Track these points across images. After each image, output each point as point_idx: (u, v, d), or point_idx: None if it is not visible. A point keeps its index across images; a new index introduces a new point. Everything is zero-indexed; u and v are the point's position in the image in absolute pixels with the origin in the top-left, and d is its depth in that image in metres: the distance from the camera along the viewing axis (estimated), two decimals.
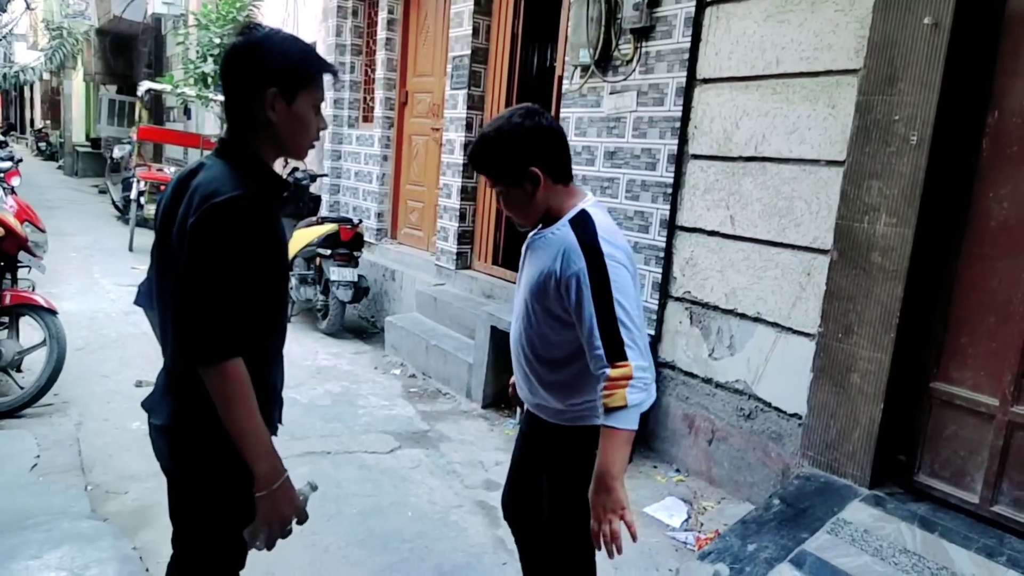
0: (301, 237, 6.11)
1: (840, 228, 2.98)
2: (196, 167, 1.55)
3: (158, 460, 1.64)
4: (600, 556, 2.92)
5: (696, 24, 3.64)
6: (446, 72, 5.85)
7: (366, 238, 6.70)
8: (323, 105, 1.65)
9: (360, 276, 5.96)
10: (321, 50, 6.89)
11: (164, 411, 1.58)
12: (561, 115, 4.44)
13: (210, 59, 8.92)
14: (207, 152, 1.67)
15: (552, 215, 1.86)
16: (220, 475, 1.53)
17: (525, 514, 2.19)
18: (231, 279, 1.42)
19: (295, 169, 7.01)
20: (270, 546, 1.55)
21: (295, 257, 6.13)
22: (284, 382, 1.75)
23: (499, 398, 4.58)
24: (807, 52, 3.17)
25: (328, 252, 5.87)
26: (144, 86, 10.63)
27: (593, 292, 1.68)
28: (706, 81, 3.64)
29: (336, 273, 5.76)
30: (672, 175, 3.80)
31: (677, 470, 3.79)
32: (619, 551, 1.68)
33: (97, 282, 7.12)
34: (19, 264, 4.19)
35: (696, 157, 3.70)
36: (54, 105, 24.78)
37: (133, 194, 9.23)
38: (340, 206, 7.68)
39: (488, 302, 5.15)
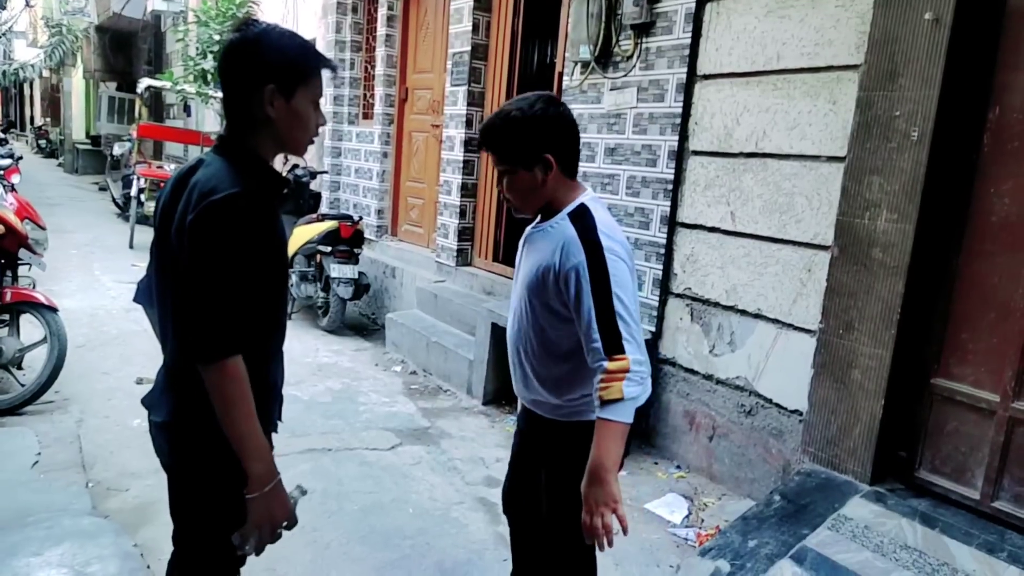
0: (301, 234, 6.11)
1: (841, 224, 2.98)
2: (195, 164, 1.55)
3: (158, 457, 1.64)
4: (601, 553, 2.92)
5: (696, 20, 3.64)
6: (446, 68, 5.84)
7: (366, 235, 6.69)
8: (322, 101, 1.65)
9: (360, 273, 5.96)
10: (321, 46, 6.88)
11: (164, 408, 1.58)
12: None
13: (210, 56, 8.92)
14: (207, 149, 1.67)
15: (552, 207, 1.85)
16: (220, 472, 1.53)
17: (522, 509, 2.20)
18: (230, 277, 1.42)
19: (295, 166, 7.00)
20: (259, 551, 1.54)
21: (295, 254, 6.13)
22: (284, 379, 1.75)
23: (500, 395, 4.58)
24: (808, 48, 3.16)
25: (328, 249, 5.87)
26: (144, 83, 10.63)
27: (592, 286, 1.68)
28: (706, 77, 3.63)
29: (336, 270, 5.76)
30: (672, 171, 3.79)
31: (678, 466, 3.79)
32: (610, 544, 1.67)
33: (98, 279, 7.12)
34: (19, 261, 4.19)
35: (697, 153, 3.70)
36: (54, 102, 24.77)
37: (133, 191, 9.23)
38: (340, 203, 7.68)
39: (488, 299, 5.14)
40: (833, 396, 3.01)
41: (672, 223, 3.83)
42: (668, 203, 3.82)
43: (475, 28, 5.45)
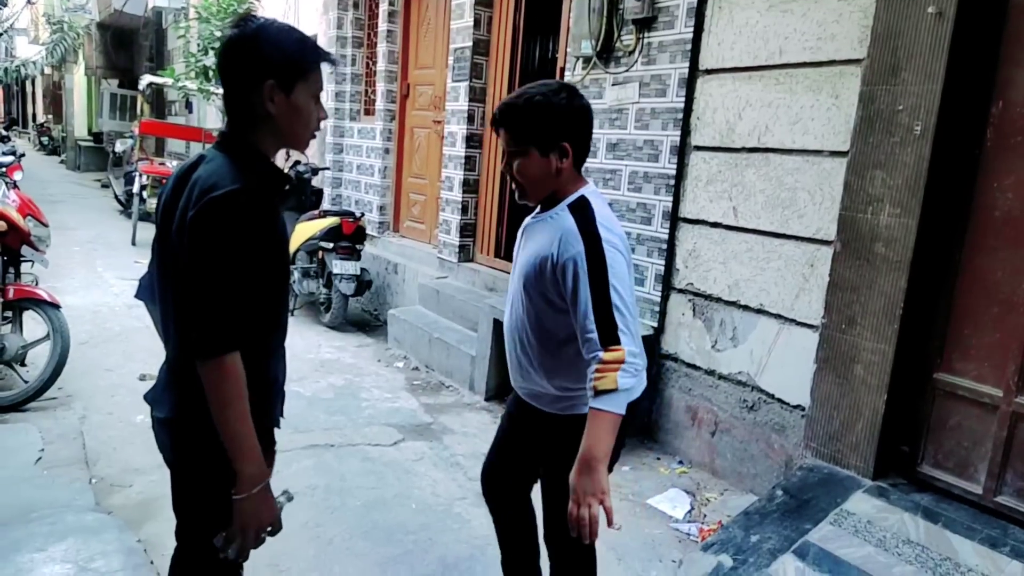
0: (303, 231, 6.11)
1: (844, 219, 2.97)
2: (197, 160, 1.55)
3: (161, 453, 1.64)
4: (604, 548, 2.92)
5: (698, 14, 3.62)
6: (448, 64, 5.84)
7: (368, 231, 6.70)
8: (323, 97, 1.64)
9: (362, 269, 5.96)
10: (322, 42, 6.87)
11: (166, 404, 1.58)
12: None
13: (211, 52, 8.91)
14: (208, 145, 1.67)
15: (555, 197, 1.86)
16: (222, 468, 1.52)
17: (509, 492, 2.21)
18: (230, 273, 1.42)
19: (297, 163, 7.00)
20: (242, 554, 1.53)
21: (297, 251, 6.13)
22: (286, 375, 1.75)
23: (502, 390, 4.58)
24: (810, 42, 3.15)
25: (330, 245, 5.87)
26: (145, 80, 10.63)
27: (589, 276, 1.68)
28: (709, 72, 3.62)
29: (338, 266, 5.76)
30: (675, 167, 3.78)
31: (680, 462, 3.79)
32: (594, 536, 1.66)
33: (100, 276, 7.13)
34: (22, 258, 4.19)
35: (699, 148, 3.69)
36: (56, 99, 24.76)
37: (135, 188, 9.24)
38: (342, 199, 7.68)
39: (491, 295, 5.14)
40: (835, 391, 3.00)
41: (674, 218, 3.83)
42: (670, 198, 3.81)
43: (476, 24, 5.44)
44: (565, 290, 1.74)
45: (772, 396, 3.37)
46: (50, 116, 26.42)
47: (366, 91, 7.47)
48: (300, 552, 2.78)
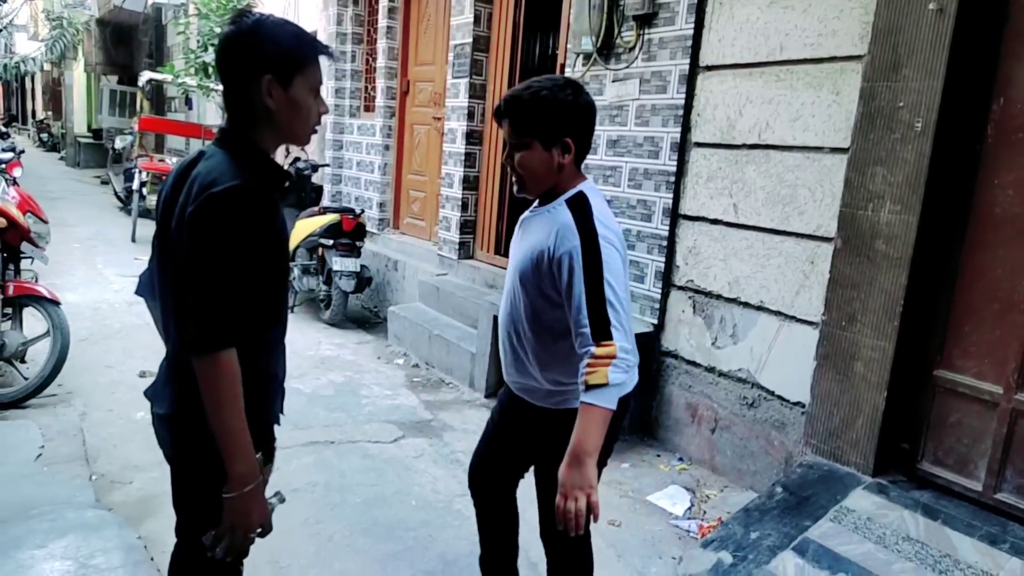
0: (303, 227, 6.11)
1: (844, 216, 2.97)
2: (197, 157, 1.55)
3: (161, 449, 1.64)
4: (604, 545, 2.93)
5: (699, 10, 3.62)
6: (447, 61, 5.83)
7: (368, 228, 6.69)
8: (324, 93, 1.63)
9: (362, 266, 5.96)
10: (322, 38, 6.83)
11: (166, 400, 1.58)
12: None
13: (211, 49, 8.91)
14: (208, 142, 1.66)
15: (554, 192, 1.86)
16: (222, 464, 1.52)
17: (497, 487, 2.22)
18: (228, 269, 1.41)
19: (297, 159, 6.99)
20: (231, 554, 1.51)
21: (297, 248, 6.13)
22: (286, 372, 1.75)
23: (502, 387, 4.58)
24: (811, 38, 3.15)
25: (330, 242, 5.87)
26: (145, 76, 10.63)
27: (585, 271, 1.69)
28: (709, 68, 3.62)
29: (338, 263, 5.76)
30: (675, 163, 3.78)
31: (680, 458, 3.79)
32: (579, 529, 1.67)
33: (100, 273, 7.13)
34: (22, 255, 4.19)
35: (699, 145, 3.68)
36: (55, 96, 24.74)
37: (135, 184, 9.23)
38: (342, 196, 7.67)
39: (491, 292, 5.14)
40: (836, 388, 3.00)
41: (674, 215, 3.82)
42: (670, 195, 3.81)
43: (476, 20, 5.43)
44: (560, 284, 1.75)
45: (772, 393, 3.37)
46: (50, 113, 26.40)
47: (366, 87, 7.46)
48: (300, 548, 2.78)
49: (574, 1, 4.23)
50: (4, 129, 14.60)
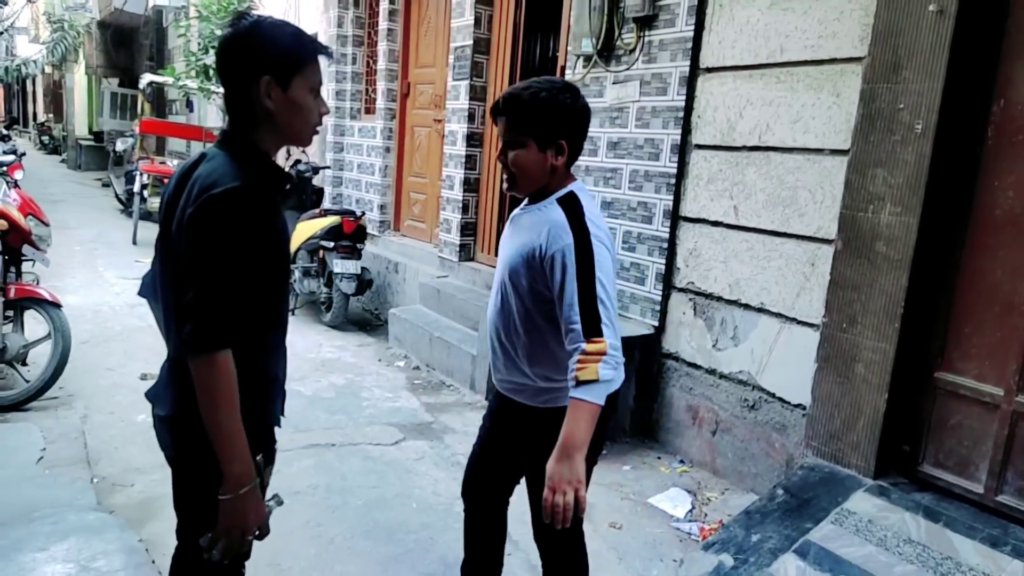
0: (304, 230, 6.11)
1: (844, 218, 2.97)
2: (198, 159, 1.55)
3: (162, 450, 1.64)
4: (605, 547, 2.93)
5: (699, 12, 3.62)
6: (448, 63, 5.83)
7: (369, 230, 6.70)
8: (324, 95, 1.64)
9: (363, 268, 5.96)
10: (322, 41, 6.86)
11: (167, 401, 1.58)
12: None
13: (211, 51, 8.91)
14: (209, 144, 1.66)
15: (544, 191, 1.89)
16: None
17: (490, 493, 2.22)
18: (226, 270, 1.42)
19: (297, 161, 7.01)
20: (228, 556, 1.51)
21: (298, 250, 6.13)
22: (287, 374, 1.75)
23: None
24: (811, 40, 3.15)
25: (331, 244, 5.87)
26: (146, 79, 10.63)
27: (577, 268, 1.72)
28: (709, 70, 3.62)
29: (339, 265, 5.76)
30: (675, 165, 3.78)
31: (681, 461, 3.79)
32: (567, 523, 1.68)
33: (101, 275, 7.13)
34: (23, 258, 4.19)
35: (699, 147, 3.69)
36: (56, 99, 24.77)
37: (136, 187, 9.24)
38: (343, 198, 7.68)
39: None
40: (836, 390, 3.00)
41: (675, 217, 3.82)
42: (671, 197, 3.81)
43: (477, 22, 5.44)
44: (552, 281, 1.76)
45: (773, 395, 3.37)
46: (51, 115, 26.43)
47: (367, 90, 7.47)
48: (301, 551, 2.78)
49: (574, 3, 4.24)
50: (5, 132, 14.60)
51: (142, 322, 5.43)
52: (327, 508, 3.12)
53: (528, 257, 1.82)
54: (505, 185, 1.95)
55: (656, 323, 3.94)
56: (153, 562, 2.64)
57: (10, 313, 4.06)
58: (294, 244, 6.03)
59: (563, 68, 4.69)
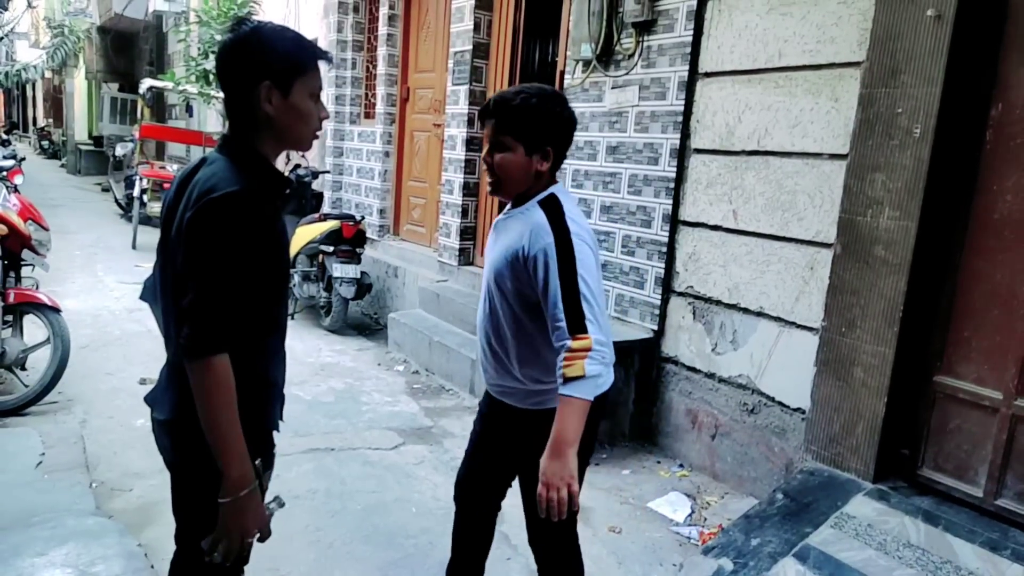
0: (304, 234, 6.12)
1: (843, 222, 2.97)
2: (199, 163, 1.56)
3: (161, 454, 1.64)
4: (604, 551, 2.93)
5: (698, 17, 3.63)
6: (447, 68, 5.85)
7: (368, 235, 6.70)
8: (324, 100, 1.64)
9: (363, 273, 5.96)
10: (322, 46, 6.87)
11: (166, 405, 1.58)
12: None
13: (211, 56, 8.93)
14: (209, 149, 1.67)
15: (527, 195, 1.92)
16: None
17: (482, 497, 2.22)
18: (224, 274, 1.42)
19: (297, 166, 7.01)
20: (229, 559, 1.51)
21: (298, 254, 6.13)
22: (287, 379, 1.75)
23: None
24: (810, 45, 3.16)
25: (331, 249, 5.87)
26: (146, 84, 10.65)
27: (559, 267, 1.74)
28: (708, 75, 3.63)
29: (339, 270, 5.76)
30: (674, 170, 3.79)
31: (680, 465, 3.79)
32: (561, 517, 1.70)
33: (101, 280, 7.13)
34: (23, 262, 4.20)
35: (698, 151, 3.69)
36: (56, 103, 24.80)
37: (136, 192, 9.25)
38: (342, 203, 7.68)
39: None
40: (836, 394, 3.00)
41: (674, 221, 3.83)
42: (670, 201, 3.82)
43: (476, 27, 5.45)
44: (536, 281, 1.78)
45: (772, 399, 3.37)
46: (50, 120, 26.47)
47: (366, 95, 7.48)
48: (300, 556, 2.78)
49: (574, 8, 4.25)
50: (5, 136, 14.63)
51: (141, 327, 5.43)
52: (326, 512, 3.12)
53: (512, 260, 1.84)
54: (489, 188, 1.98)
55: (655, 327, 3.94)
56: (152, 567, 2.64)
57: (9, 318, 4.06)
58: (294, 248, 6.04)
59: (562, 73, 4.70)
